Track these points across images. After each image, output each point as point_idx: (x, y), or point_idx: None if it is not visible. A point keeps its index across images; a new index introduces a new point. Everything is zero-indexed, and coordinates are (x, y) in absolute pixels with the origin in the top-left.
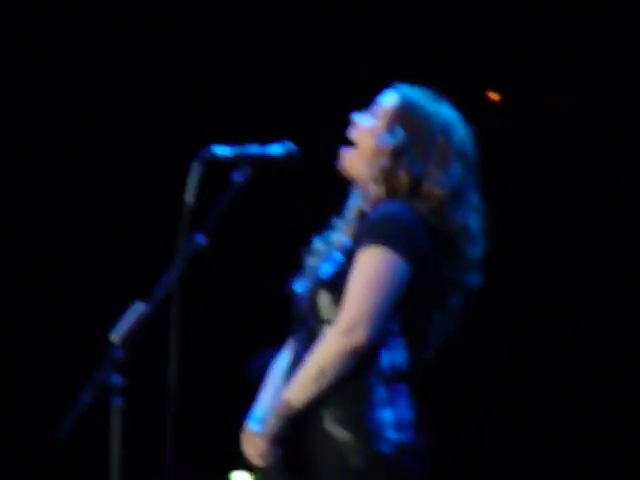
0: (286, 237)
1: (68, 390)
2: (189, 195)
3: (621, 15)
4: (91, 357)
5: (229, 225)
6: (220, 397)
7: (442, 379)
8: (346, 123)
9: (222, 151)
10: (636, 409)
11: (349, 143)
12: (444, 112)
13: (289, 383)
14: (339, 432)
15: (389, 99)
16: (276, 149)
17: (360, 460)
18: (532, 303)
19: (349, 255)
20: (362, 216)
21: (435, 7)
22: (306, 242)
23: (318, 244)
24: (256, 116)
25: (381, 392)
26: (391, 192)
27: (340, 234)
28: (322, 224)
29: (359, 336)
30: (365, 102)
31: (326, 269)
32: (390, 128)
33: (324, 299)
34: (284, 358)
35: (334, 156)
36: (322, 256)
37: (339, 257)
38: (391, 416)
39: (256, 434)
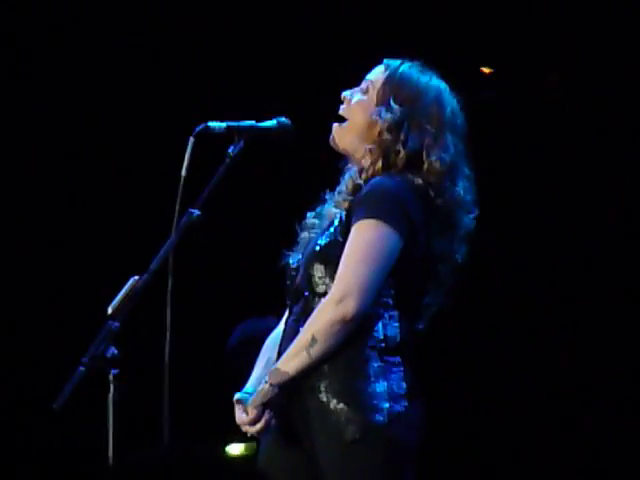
0: (280, 211)
1: (64, 361)
2: (184, 169)
3: None
4: (87, 330)
5: (224, 199)
6: (215, 370)
7: (437, 353)
8: (338, 99)
9: (216, 125)
10: (636, 409)
11: (340, 119)
12: (434, 83)
13: (282, 354)
14: (334, 403)
15: (378, 74)
16: (269, 122)
17: (355, 431)
18: (525, 288)
19: (343, 228)
20: (356, 190)
21: None
22: (300, 216)
23: (312, 218)
24: (251, 94)
25: (375, 364)
26: (387, 166)
27: (334, 208)
28: (316, 198)
29: (350, 306)
30: (358, 78)
31: (319, 241)
32: (383, 102)
33: (317, 271)
34: (278, 332)
35: (327, 131)
36: (316, 230)
37: (333, 230)
38: (385, 387)
39: (248, 402)
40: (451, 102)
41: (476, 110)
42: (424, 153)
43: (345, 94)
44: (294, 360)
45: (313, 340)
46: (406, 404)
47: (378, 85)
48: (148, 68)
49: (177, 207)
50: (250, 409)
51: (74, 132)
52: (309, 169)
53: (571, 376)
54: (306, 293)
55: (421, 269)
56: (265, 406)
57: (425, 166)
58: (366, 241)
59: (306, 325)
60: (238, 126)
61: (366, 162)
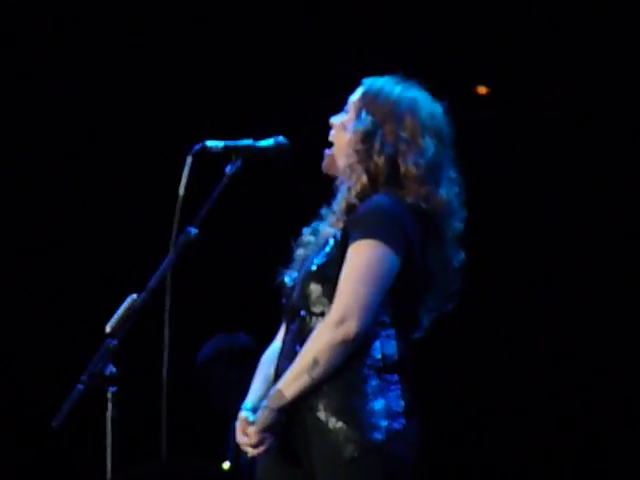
0: (276, 228)
1: (63, 379)
2: (181, 188)
3: (610, 7)
4: (86, 348)
5: (221, 217)
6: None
7: (436, 368)
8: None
9: (213, 144)
10: (636, 409)
11: (330, 145)
12: (409, 92)
13: (280, 375)
14: (333, 422)
15: (357, 93)
16: (266, 142)
17: (354, 449)
18: (523, 292)
19: (339, 248)
20: (350, 208)
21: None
22: (296, 234)
23: (307, 235)
24: (250, 114)
25: (374, 382)
26: (373, 178)
27: (329, 226)
28: (311, 215)
29: (350, 328)
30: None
31: (316, 261)
32: (357, 116)
33: (314, 291)
34: (275, 348)
35: (324, 146)
36: (312, 248)
37: (329, 250)
38: (383, 405)
39: (249, 424)
40: (430, 107)
41: (474, 130)
42: (399, 159)
43: (332, 120)
44: (295, 383)
45: (315, 362)
46: (404, 422)
47: (354, 101)
48: (146, 87)
49: (175, 225)
50: (252, 433)
51: (73, 151)
52: (306, 185)
53: (571, 376)
54: (302, 312)
55: (417, 285)
56: (267, 430)
57: (402, 171)
58: (365, 261)
59: (306, 347)
60: (235, 145)
61: (352, 179)
